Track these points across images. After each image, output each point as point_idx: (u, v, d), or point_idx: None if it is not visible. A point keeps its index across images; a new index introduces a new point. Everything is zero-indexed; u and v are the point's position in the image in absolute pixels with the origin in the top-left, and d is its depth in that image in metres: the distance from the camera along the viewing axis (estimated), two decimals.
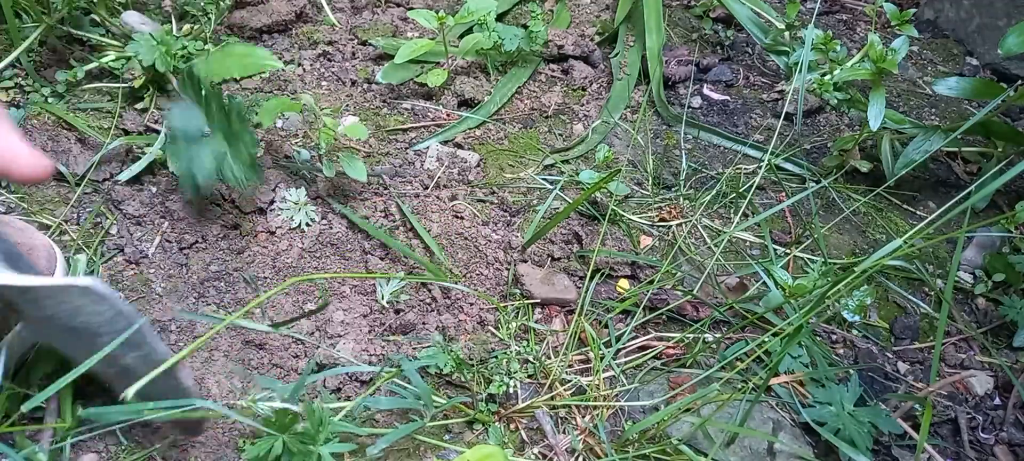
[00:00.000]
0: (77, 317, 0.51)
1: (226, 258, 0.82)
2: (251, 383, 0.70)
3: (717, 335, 0.80)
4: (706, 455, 0.67)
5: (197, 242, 0.82)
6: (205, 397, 0.67)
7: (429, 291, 0.81)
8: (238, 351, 0.73)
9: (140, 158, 0.88)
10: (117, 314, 0.51)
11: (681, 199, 0.96)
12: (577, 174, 0.95)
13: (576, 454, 0.69)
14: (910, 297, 0.89)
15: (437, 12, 1.01)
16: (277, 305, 0.78)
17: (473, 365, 0.74)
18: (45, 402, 0.65)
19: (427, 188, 0.92)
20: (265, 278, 0.81)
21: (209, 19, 1.07)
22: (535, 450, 0.69)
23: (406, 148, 0.99)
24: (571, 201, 0.93)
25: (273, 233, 0.84)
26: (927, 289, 0.90)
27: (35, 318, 0.52)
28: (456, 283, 0.79)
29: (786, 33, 1.14)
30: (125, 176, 0.86)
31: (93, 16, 1.01)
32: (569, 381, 0.74)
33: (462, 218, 0.89)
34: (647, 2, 1.18)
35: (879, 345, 0.83)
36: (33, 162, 0.47)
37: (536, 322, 0.80)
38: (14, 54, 0.92)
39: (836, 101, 0.96)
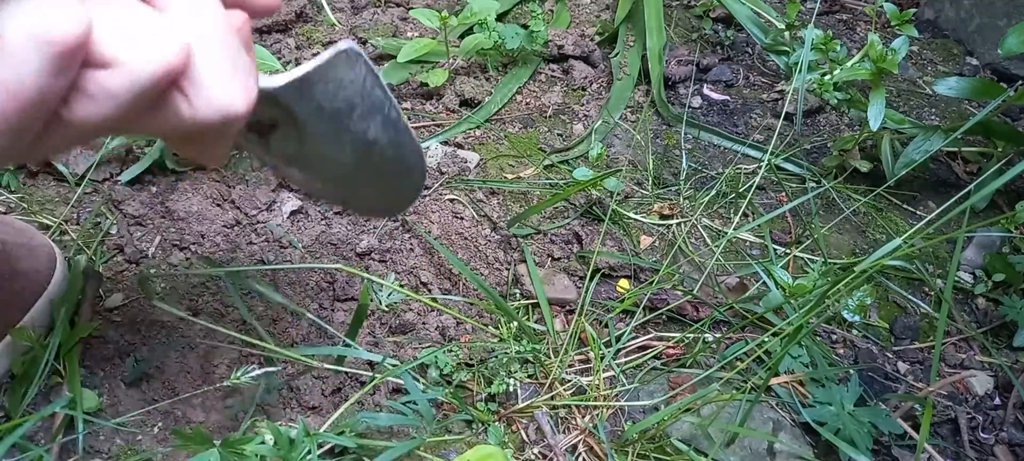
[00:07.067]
0: (339, 93, 0.48)
1: (226, 258, 0.82)
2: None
3: (717, 335, 0.80)
4: (706, 455, 0.67)
5: (197, 242, 0.82)
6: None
7: (429, 291, 0.81)
8: (239, 357, 0.74)
9: (140, 158, 0.88)
10: (368, 73, 0.48)
11: (681, 199, 0.96)
12: (572, 172, 0.95)
13: (576, 454, 0.69)
14: (910, 297, 0.89)
15: (439, 12, 1.01)
16: (278, 310, 0.78)
17: (473, 365, 0.74)
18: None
19: (428, 188, 0.92)
20: (266, 278, 0.81)
21: None
22: (535, 450, 0.69)
23: None
24: (572, 204, 0.93)
25: (273, 233, 0.84)
26: (927, 289, 0.90)
27: (303, 115, 0.49)
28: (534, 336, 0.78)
29: (786, 33, 1.14)
30: (125, 176, 0.86)
31: None
32: (569, 381, 0.74)
33: (462, 218, 0.89)
34: (647, 2, 1.18)
35: (879, 345, 0.83)
36: None
37: (536, 322, 0.80)
38: None
39: (836, 101, 0.96)
